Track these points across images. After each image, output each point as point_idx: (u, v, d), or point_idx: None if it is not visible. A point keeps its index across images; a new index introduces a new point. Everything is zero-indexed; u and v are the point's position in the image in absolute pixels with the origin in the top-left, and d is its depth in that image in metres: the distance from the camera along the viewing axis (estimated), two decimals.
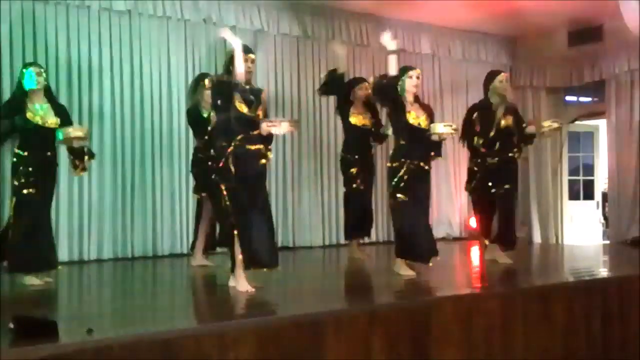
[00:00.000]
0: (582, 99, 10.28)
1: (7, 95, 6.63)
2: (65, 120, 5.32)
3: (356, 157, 6.74)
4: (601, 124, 10.00)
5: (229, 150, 4.67)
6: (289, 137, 8.41)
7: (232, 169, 4.65)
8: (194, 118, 6.24)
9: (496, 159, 6.26)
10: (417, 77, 5.47)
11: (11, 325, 3.22)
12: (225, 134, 4.72)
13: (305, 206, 8.49)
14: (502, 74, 6.41)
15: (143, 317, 4.09)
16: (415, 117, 5.43)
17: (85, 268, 6.61)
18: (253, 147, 4.72)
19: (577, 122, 10.10)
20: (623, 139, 9.19)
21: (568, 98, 10.33)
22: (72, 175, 5.63)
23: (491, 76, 6.39)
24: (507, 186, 6.31)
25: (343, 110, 6.85)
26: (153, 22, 7.54)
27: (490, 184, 6.27)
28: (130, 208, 7.34)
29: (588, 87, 9.86)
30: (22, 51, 6.76)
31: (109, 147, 7.23)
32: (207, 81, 6.09)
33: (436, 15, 8.95)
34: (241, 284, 4.71)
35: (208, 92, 5.97)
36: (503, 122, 6.27)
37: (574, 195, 10.03)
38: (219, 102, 4.74)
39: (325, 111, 8.69)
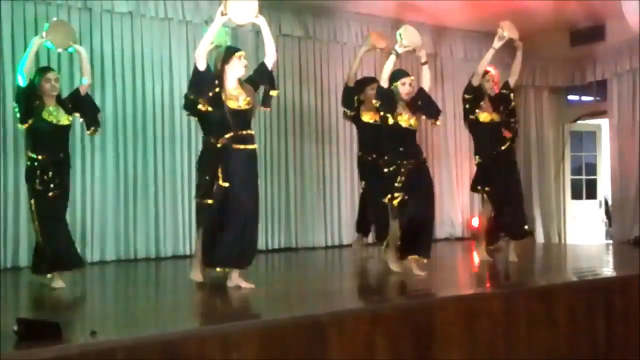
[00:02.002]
0: (584, 98, 10.27)
1: (9, 97, 6.67)
2: (82, 111, 5.43)
3: (374, 155, 6.75)
4: (603, 124, 9.99)
5: (218, 147, 4.77)
6: (292, 137, 8.42)
7: (220, 166, 4.75)
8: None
9: (491, 153, 6.42)
10: (410, 84, 5.66)
11: (15, 327, 3.22)
12: (215, 131, 4.82)
13: (308, 207, 8.49)
14: (489, 73, 6.53)
15: (146, 319, 4.10)
16: (405, 118, 5.61)
17: (88, 270, 6.61)
18: (242, 147, 4.80)
19: (579, 122, 10.12)
20: (625, 138, 9.18)
21: (570, 97, 10.32)
22: (89, 135, 5.65)
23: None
24: (487, 188, 6.46)
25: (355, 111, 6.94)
26: (155, 24, 7.55)
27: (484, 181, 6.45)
28: (132, 210, 7.35)
29: (590, 87, 9.85)
30: (24, 53, 6.77)
31: (111, 149, 7.23)
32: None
33: (438, 16, 8.95)
34: (234, 280, 4.84)
35: None
36: (490, 117, 6.45)
37: (576, 195, 10.02)
38: (211, 99, 4.82)
39: (327, 112, 8.70)
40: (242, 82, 4.97)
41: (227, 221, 4.74)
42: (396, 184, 5.53)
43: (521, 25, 9.48)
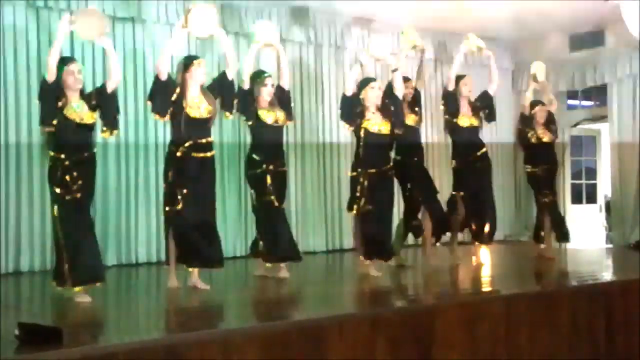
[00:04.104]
0: (584, 103, 10.30)
1: (10, 98, 6.70)
2: (104, 110, 4.89)
3: (415, 159, 6.57)
4: (603, 128, 10.01)
5: (178, 155, 4.96)
6: (292, 141, 8.43)
7: (179, 173, 4.95)
8: None
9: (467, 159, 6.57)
10: (379, 88, 5.82)
11: (16, 332, 3.23)
12: (176, 140, 5.00)
13: (309, 211, 8.50)
14: (466, 77, 6.67)
15: (147, 323, 4.10)
16: (374, 123, 5.74)
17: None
18: (201, 155, 5.00)
19: (579, 126, 10.13)
20: (625, 143, 9.19)
21: (570, 102, 10.35)
22: (104, 136, 5.02)
23: (456, 81, 6.64)
24: (461, 193, 6.62)
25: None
26: (156, 29, 7.57)
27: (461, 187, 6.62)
28: (134, 214, 7.36)
29: (590, 91, 9.88)
30: (26, 58, 6.81)
31: (113, 153, 7.25)
32: None
33: (439, 20, 8.96)
34: (192, 279, 5.07)
35: None
36: (468, 123, 6.54)
37: (576, 199, 10.02)
38: (168, 107, 4.99)
39: (328, 117, 8.73)
40: (204, 90, 5.11)
41: (188, 225, 4.98)
42: (357, 193, 5.69)
43: (521, 30, 9.57)
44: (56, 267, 4.78)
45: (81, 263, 4.62)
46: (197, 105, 5.02)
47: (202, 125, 5.06)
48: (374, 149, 5.76)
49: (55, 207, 4.67)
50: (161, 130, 7.54)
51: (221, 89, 5.26)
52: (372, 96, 5.76)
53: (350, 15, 8.75)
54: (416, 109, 6.57)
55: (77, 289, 4.62)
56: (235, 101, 5.46)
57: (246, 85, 5.55)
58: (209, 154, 5.08)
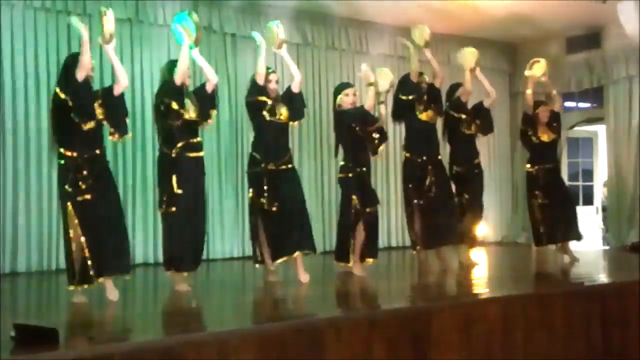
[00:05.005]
0: (581, 104, 10.32)
1: (7, 98, 6.70)
2: (111, 113, 4.76)
3: (424, 157, 6.47)
4: (600, 130, 10.03)
5: (172, 156, 5.00)
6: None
7: (174, 174, 4.98)
8: None
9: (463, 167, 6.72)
10: (354, 94, 5.96)
11: (12, 333, 3.23)
12: (170, 141, 5.04)
13: None
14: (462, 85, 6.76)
15: (144, 325, 4.10)
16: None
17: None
18: (193, 155, 5.07)
19: (576, 128, 10.15)
20: (622, 145, 9.21)
21: (567, 104, 10.36)
22: (112, 139, 4.90)
23: (454, 88, 6.79)
24: (466, 196, 6.70)
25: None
26: (154, 30, 7.58)
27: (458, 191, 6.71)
28: (131, 216, 7.36)
29: (587, 93, 9.90)
30: (24, 59, 6.81)
31: (110, 153, 7.19)
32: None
33: (435, 22, 8.97)
34: (177, 284, 5.07)
35: None
36: (473, 130, 6.74)
37: None
38: (161, 107, 5.04)
39: (325, 117, 8.72)
40: (188, 93, 5.18)
41: (183, 226, 5.03)
42: (354, 190, 5.85)
43: (519, 32, 9.58)
44: (69, 267, 4.60)
45: (105, 255, 4.55)
46: (186, 107, 5.08)
47: (193, 126, 5.16)
48: (361, 148, 5.96)
49: (69, 204, 4.52)
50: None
51: (201, 100, 5.26)
52: (347, 102, 5.89)
53: (346, 17, 8.76)
54: (432, 105, 6.46)
55: (100, 280, 4.56)
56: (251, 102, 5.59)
57: (260, 81, 5.55)
58: (200, 154, 5.17)
